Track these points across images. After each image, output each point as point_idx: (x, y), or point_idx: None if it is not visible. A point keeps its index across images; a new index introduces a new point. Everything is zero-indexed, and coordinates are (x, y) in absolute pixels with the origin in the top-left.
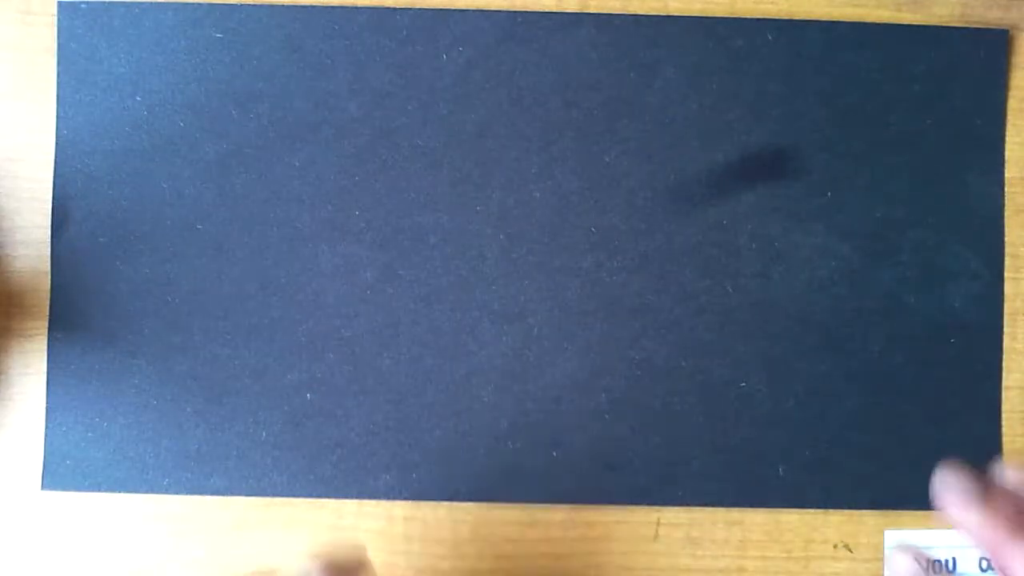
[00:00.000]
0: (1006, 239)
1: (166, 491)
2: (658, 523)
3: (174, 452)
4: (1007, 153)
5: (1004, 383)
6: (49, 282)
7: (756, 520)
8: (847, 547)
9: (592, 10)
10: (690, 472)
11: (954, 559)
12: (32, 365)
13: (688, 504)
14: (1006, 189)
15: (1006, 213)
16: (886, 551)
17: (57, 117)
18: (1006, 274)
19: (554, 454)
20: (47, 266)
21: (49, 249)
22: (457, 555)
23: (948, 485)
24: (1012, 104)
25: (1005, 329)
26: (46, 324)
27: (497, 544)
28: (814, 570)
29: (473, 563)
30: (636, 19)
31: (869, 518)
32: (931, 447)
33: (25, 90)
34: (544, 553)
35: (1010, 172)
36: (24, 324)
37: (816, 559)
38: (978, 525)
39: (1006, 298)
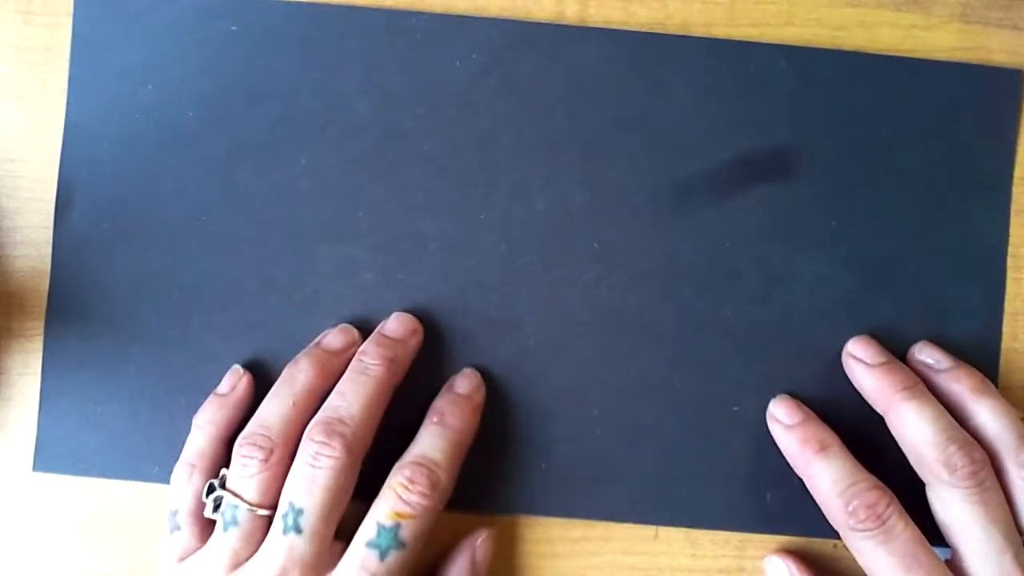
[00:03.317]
0: (1009, 240)
1: (155, 479)
2: None
3: (165, 441)
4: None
5: (1002, 384)
6: (48, 281)
7: None
8: (847, 547)
9: (592, 16)
10: (680, 491)
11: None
12: (32, 365)
13: (679, 525)
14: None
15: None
16: None
17: (67, 101)
18: (1008, 274)
19: (543, 466)
20: (47, 266)
21: (50, 248)
22: None
23: (856, 351)
24: None
25: (1006, 329)
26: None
27: (496, 544)
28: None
29: None
30: (648, 36)
31: None
32: None
33: (26, 90)
34: (544, 553)
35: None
36: (24, 324)
37: (815, 560)
38: (873, 387)
39: (1008, 298)
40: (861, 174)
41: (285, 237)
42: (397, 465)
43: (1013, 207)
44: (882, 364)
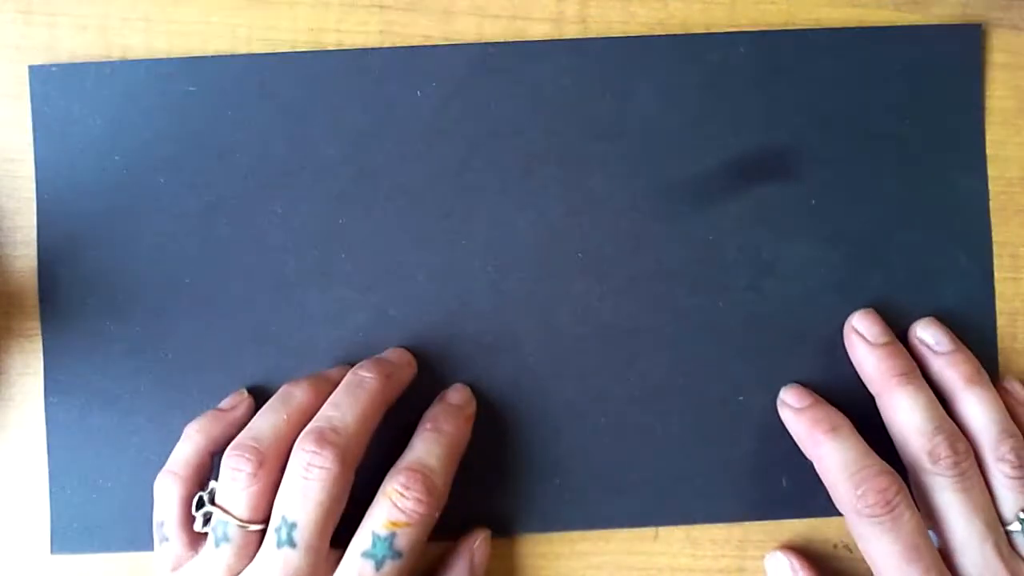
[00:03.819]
0: (1006, 239)
1: None
2: None
3: None
4: (1006, 153)
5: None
6: (41, 344)
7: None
8: (847, 547)
9: (592, 16)
10: (692, 489)
11: None
12: (31, 365)
13: (691, 522)
14: (1006, 189)
15: (1005, 213)
16: None
17: (36, 181)
18: (1006, 274)
19: (557, 482)
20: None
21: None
22: None
23: (860, 327)
24: (1011, 104)
25: (1004, 329)
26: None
27: (495, 543)
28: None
29: None
30: (608, 42)
31: None
32: None
33: (25, 90)
34: (543, 553)
35: (1010, 172)
36: (23, 324)
37: (816, 559)
38: (872, 368)
39: (1006, 298)
40: (836, 151)
41: (272, 287)
42: (391, 472)
43: (1012, 206)
44: (884, 345)
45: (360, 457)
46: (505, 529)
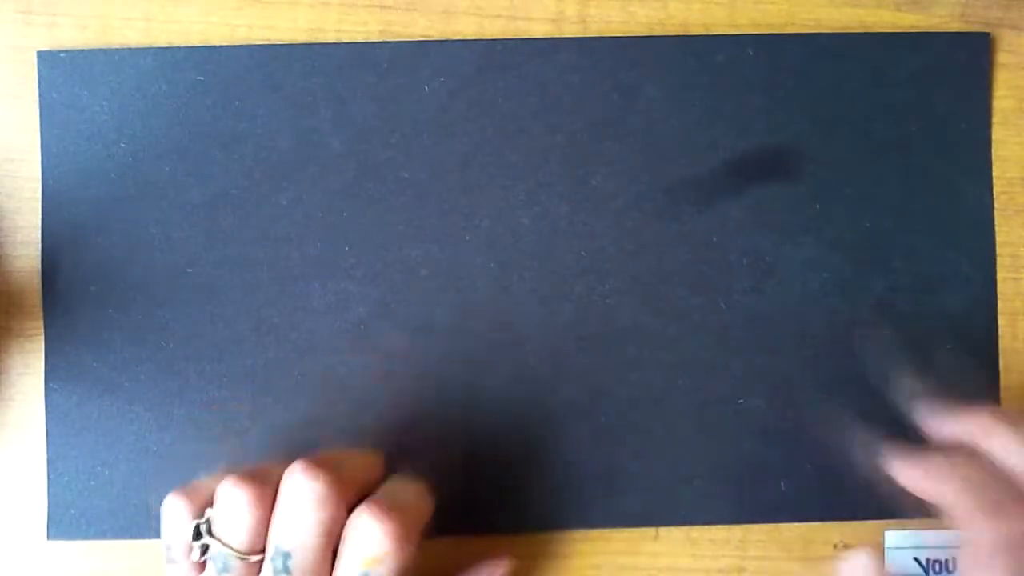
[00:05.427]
0: (1007, 239)
1: None
2: None
3: None
4: (1006, 153)
5: (1003, 383)
6: (42, 332)
7: None
8: (847, 547)
9: (591, 16)
10: (691, 491)
11: (953, 559)
12: (31, 365)
13: (690, 523)
14: (1007, 189)
15: (1006, 213)
16: (887, 551)
17: (42, 168)
18: (1007, 274)
19: (555, 481)
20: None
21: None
22: None
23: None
24: (1011, 104)
25: (1005, 329)
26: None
27: (495, 541)
28: (814, 570)
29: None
30: (615, 41)
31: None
32: None
33: (26, 90)
34: (543, 553)
35: (1010, 172)
36: (24, 324)
37: (816, 559)
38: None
39: (1007, 298)
40: (840, 154)
41: (274, 279)
42: (363, 503)
43: (1012, 207)
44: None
45: (356, 487)
46: (504, 527)
